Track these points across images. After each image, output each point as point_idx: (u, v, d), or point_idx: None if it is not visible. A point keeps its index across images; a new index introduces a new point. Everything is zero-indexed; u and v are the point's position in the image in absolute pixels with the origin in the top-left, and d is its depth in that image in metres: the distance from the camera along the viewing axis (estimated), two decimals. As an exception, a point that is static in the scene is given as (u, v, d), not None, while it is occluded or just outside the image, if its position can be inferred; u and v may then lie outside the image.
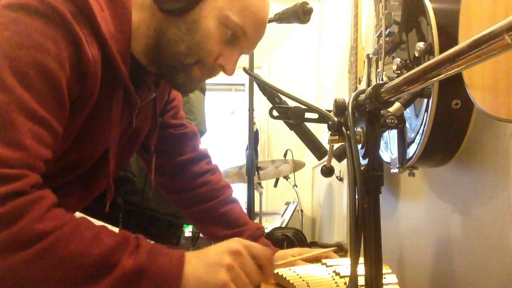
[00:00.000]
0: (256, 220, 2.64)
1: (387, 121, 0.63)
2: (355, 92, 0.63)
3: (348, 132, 0.62)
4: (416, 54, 1.02)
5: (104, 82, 0.77)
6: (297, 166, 2.88)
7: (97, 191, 0.95)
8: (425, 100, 1.03)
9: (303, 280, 0.89)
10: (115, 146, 0.86)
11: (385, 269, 0.87)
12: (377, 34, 1.30)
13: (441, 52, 0.88)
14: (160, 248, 0.72)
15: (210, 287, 0.71)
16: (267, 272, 0.79)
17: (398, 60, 1.13)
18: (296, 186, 3.10)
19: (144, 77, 0.91)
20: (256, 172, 2.33)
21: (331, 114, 0.69)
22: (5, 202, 0.60)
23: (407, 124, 1.15)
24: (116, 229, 1.12)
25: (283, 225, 2.96)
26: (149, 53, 0.85)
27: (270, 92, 0.95)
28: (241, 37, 0.84)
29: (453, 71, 0.44)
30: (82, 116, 0.78)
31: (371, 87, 0.59)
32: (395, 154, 1.20)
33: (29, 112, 0.65)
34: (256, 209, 2.76)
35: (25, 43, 0.66)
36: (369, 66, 1.49)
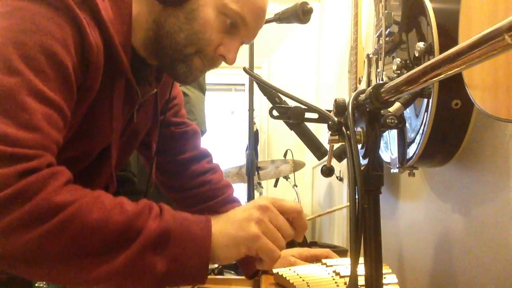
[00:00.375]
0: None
1: (387, 121, 0.63)
2: (355, 92, 0.63)
3: (348, 132, 0.62)
4: (416, 54, 1.02)
5: (105, 72, 0.77)
6: (297, 166, 2.88)
7: (99, 186, 0.95)
8: (425, 100, 1.03)
9: (303, 280, 0.89)
10: (117, 139, 0.86)
11: (385, 269, 0.87)
12: (377, 34, 1.30)
13: (441, 52, 0.88)
14: (184, 213, 0.70)
15: (241, 241, 0.69)
16: (298, 226, 0.76)
17: (398, 60, 1.13)
18: (296, 186, 3.11)
19: (145, 71, 0.91)
20: (256, 172, 2.34)
21: (331, 114, 0.69)
22: (22, 178, 0.59)
23: (407, 124, 1.15)
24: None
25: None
26: (149, 45, 0.85)
27: (270, 92, 0.95)
28: (241, 25, 0.83)
29: (453, 71, 0.44)
30: (84, 105, 0.77)
31: (371, 87, 0.59)
32: (395, 154, 1.20)
33: (40, 95, 0.65)
34: (256, 209, 2.75)
35: (31, 28, 0.66)
36: (369, 66, 1.49)
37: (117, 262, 0.62)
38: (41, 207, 0.60)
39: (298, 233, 0.77)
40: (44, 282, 2.04)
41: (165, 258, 0.65)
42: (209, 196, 1.17)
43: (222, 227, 0.70)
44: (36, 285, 2.05)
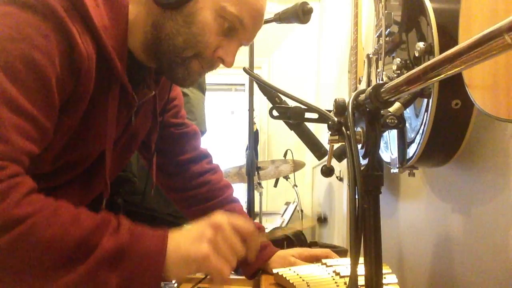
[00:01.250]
0: (256, 220, 2.64)
1: (387, 121, 0.63)
2: (355, 92, 0.63)
3: (348, 132, 0.62)
4: (416, 54, 1.02)
5: (99, 79, 0.77)
6: (297, 166, 2.88)
7: (97, 190, 0.95)
8: (425, 100, 1.03)
9: (303, 280, 0.89)
10: (111, 145, 0.85)
11: (385, 269, 0.87)
12: (377, 34, 1.30)
13: (441, 52, 0.88)
14: (142, 228, 0.71)
15: (192, 261, 0.70)
16: (250, 246, 0.77)
17: (398, 60, 1.13)
18: (296, 186, 3.10)
19: (143, 74, 0.91)
20: (256, 172, 2.33)
21: (331, 114, 0.69)
22: None
23: (407, 124, 1.15)
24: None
25: (283, 225, 2.96)
26: (147, 48, 0.84)
27: (270, 92, 0.95)
28: (239, 28, 0.83)
29: (453, 71, 0.44)
30: (77, 113, 0.77)
31: (371, 87, 0.59)
32: (395, 154, 1.20)
33: (14, 106, 0.64)
34: (256, 209, 2.76)
35: (15, 36, 0.66)
36: (369, 66, 1.49)
37: (71, 277, 0.63)
38: (0, 219, 0.59)
39: (250, 252, 0.77)
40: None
41: (119, 274, 0.65)
42: (209, 196, 1.17)
43: (177, 245, 0.70)
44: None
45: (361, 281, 0.58)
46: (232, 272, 1.96)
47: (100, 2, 0.77)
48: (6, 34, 0.66)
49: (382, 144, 1.33)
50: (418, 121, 1.07)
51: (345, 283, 0.87)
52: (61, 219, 0.64)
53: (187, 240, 0.71)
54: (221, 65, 0.89)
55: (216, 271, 0.71)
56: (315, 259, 1.08)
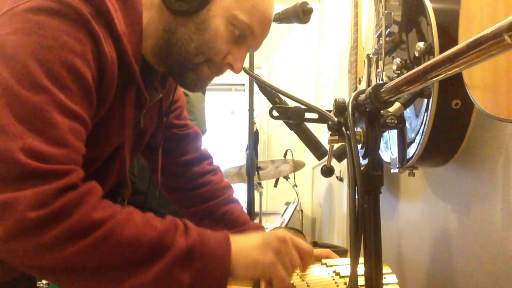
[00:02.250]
0: (256, 220, 2.64)
1: (387, 121, 0.63)
2: (355, 92, 0.63)
3: (348, 132, 0.62)
4: (416, 54, 1.02)
5: (118, 81, 0.79)
6: (297, 166, 2.88)
7: (106, 189, 0.96)
8: (425, 100, 1.03)
9: (303, 280, 0.89)
10: (130, 145, 0.88)
11: (385, 269, 0.87)
12: (377, 34, 1.30)
13: (441, 52, 0.88)
14: (206, 230, 0.75)
15: (259, 265, 0.75)
16: (306, 264, 0.84)
17: (398, 60, 1.13)
18: (296, 186, 3.11)
19: (152, 77, 0.92)
20: (256, 172, 2.33)
21: (331, 114, 0.69)
22: (62, 195, 0.63)
23: (407, 124, 1.15)
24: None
25: (283, 225, 2.96)
26: (158, 53, 0.86)
27: (270, 92, 0.95)
28: (249, 35, 0.85)
29: (453, 71, 0.44)
30: (98, 114, 0.79)
31: (371, 87, 0.59)
32: (395, 154, 1.20)
33: (65, 110, 0.68)
34: (256, 209, 2.76)
35: (53, 45, 0.68)
36: (369, 66, 1.49)
37: (148, 275, 0.67)
38: (81, 223, 0.64)
39: (304, 269, 0.85)
40: (45, 282, 2.04)
41: (191, 272, 0.70)
42: (209, 196, 1.18)
43: (243, 248, 0.76)
44: (38, 284, 2.06)
45: (361, 281, 0.58)
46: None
47: (117, 7, 0.79)
48: (44, 43, 0.68)
49: (382, 144, 1.33)
50: (418, 121, 1.07)
51: (345, 283, 0.87)
52: (135, 222, 0.68)
53: (254, 245, 0.77)
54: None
55: (280, 279, 0.77)
56: (315, 259, 1.08)
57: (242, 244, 0.76)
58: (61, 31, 0.69)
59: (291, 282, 0.89)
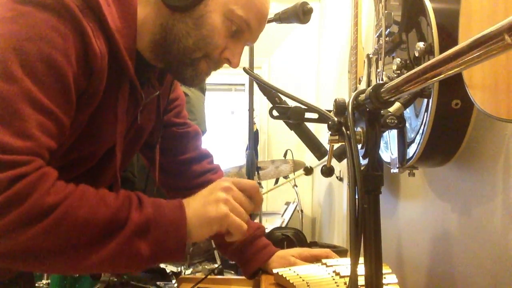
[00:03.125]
0: (256, 220, 2.64)
1: (387, 121, 0.63)
2: (355, 92, 0.63)
3: (348, 132, 0.62)
4: (416, 54, 1.02)
5: (110, 77, 0.79)
6: (297, 166, 2.88)
7: (104, 185, 0.96)
8: (425, 100, 1.03)
9: (303, 280, 0.89)
10: (122, 142, 0.87)
11: (385, 269, 0.87)
12: (377, 34, 1.30)
13: (441, 52, 0.88)
14: (159, 200, 0.77)
15: (213, 221, 0.77)
16: (257, 201, 0.85)
17: (398, 60, 1.13)
18: (296, 186, 3.10)
19: (148, 73, 0.91)
20: (256, 172, 2.33)
21: (331, 114, 0.69)
22: (14, 183, 0.63)
23: (407, 124, 1.15)
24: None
25: (283, 225, 2.96)
26: (155, 49, 0.86)
27: (270, 92, 0.95)
28: (246, 30, 0.86)
29: (453, 71, 0.44)
30: (88, 110, 0.79)
31: (371, 87, 0.59)
32: (395, 154, 1.20)
33: (35, 103, 0.67)
34: (256, 209, 2.75)
35: (33, 36, 0.67)
36: (369, 66, 1.49)
37: (106, 251, 0.68)
38: (34, 208, 0.64)
39: (257, 206, 0.86)
40: (45, 282, 2.04)
41: (148, 242, 0.72)
42: None
43: (195, 210, 0.77)
44: (36, 285, 2.06)
45: (361, 281, 0.58)
46: (232, 272, 1.96)
47: (110, 1, 0.78)
48: (25, 34, 0.67)
49: (382, 144, 1.33)
50: (418, 121, 1.07)
51: (345, 283, 0.87)
52: (89, 201, 0.69)
53: (204, 203, 0.78)
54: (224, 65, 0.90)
55: (236, 227, 0.79)
56: (315, 259, 1.08)
57: (194, 206, 0.77)
58: (44, 24, 0.68)
59: (292, 282, 0.89)
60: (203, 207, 0.78)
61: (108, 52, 0.77)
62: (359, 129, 0.63)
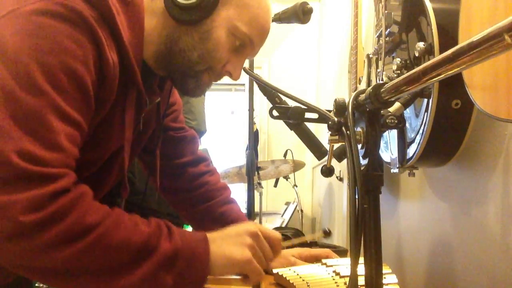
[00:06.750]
0: (256, 220, 2.64)
1: (387, 121, 0.63)
2: (355, 92, 0.63)
3: (348, 132, 0.62)
4: (416, 54, 1.02)
5: (120, 85, 0.80)
6: (297, 166, 2.88)
7: (105, 190, 0.96)
8: (425, 100, 1.03)
9: (303, 280, 0.89)
10: (129, 147, 0.89)
11: (385, 269, 0.87)
12: (377, 34, 1.30)
13: (441, 52, 0.88)
14: (185, 231, 0.79)
15: (235, 263, 0.80)
16: (277, 252, 0.89)
17: (398, 60, 1.13)
18: (296, 186, 3.10)
19: (151, 80, 0.92)
20: (256, 172, 2.33)
21: (331, 114, 0.69)
22: (55, 199, 0.64)
23: (407, 124, 1.15)
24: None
25: (283, 225, 2.96)
26: (160, 59, 0.87)
27: (270, 92, 0.95)
28: (248, 45, 0.88)
29: (453, 71, 0.44)
30: (98, 117, 0.80)
31: (371, 87, 0.59)
32: (395, 154, 1.20)
33: (62, 115, 0.69)
34: (256, 209, 2.76)
35: (55, 48, 0.69)
36: (369, 66, 1.49)
37: (135, 277, 0.70)
38: (74, 227, 0.66)
39: (275, 256, 0.90)
40: (44, 286, 2.04)
41: (173, 274, 0.73)
42: (207, 197, 1.18)
43: (220, 247, 0.80)
44: (36, 285, 2.06)
45: (361, 281, 0.58)
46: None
47: (120, 11, 0.80)
48: (46, 47, 0.68)
49: (382, 144, 1.33)
50: (418, 121, 1.07)
51: (345, 283, 0.87)
52: (124, 224, 0.71)
53: (229, 244, 0.81)
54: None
55: (255, 273, 0.82)
56: (315, 259, 1.08)
57: (219, 244, 0.80)
58: (63, 35, 0.69)
59: (292, 282, 0.89)
60: (228, 246, 0.80)
61: (119, 61, 0.78)
62: (359, 129, 0.63)
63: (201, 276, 0.76)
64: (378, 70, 1.36)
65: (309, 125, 0.91)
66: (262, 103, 3.68)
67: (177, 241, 0.75)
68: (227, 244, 0.81)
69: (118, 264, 0.69)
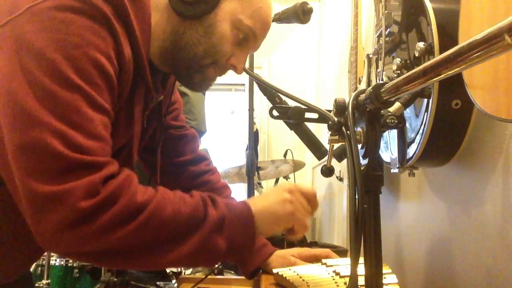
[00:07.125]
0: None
1: (387, 121, 0.63)
2: (355, 92, 0.63)
3: (348, 132, 0.62)
4: (416, 54, 1.02)
5: (132, 80, 0.82)
6: (297, 166, 2.88)
7: None
8: (425, 100, 1.03)
9: (303, 280, 0.89)
10: (138, 142, 0.90)
11: (385, 269, 0.87)
12: (377, 34, 1.30)
13: (441, 52, 0.88)
14: (228, 200, 0.83)
15: (280, 218, 0.84)
16: (314, 205, 0.91)
17: (398, 60, 1.13)
18: (296, 186, 3.09)
19: (155, 78, 0.93)
20: (256, 172, 2.33)
21: (331, 114, 0.69)
22: (106, 184, 0.68)
23: (407, 124, 1.15)
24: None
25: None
26: (164, 55, 0.87)
27: (270, 92, 0.95)
28: (251, 39, 0.88)
29: (453, 71, 0.44)
30: (115, 110, 0.81)
31: (371, 87, 0.59)
32: (395, 154, 1.20)
33: (96, 105, 0.71)
34: (256, 209, 2.75)
35: (79, 42, 0.70)
36: (369, 66, 1.49)
37: (189, 245, 0.74)
38: (127, 207, 0.69)
39: (313, 210, 0.92)
40: (45, 282, 2.04)
41: (225, 238, 0.77)
42: None
43: (262, 207, 0.83)
44: (37, 285, 2.06)
45: (361, 281, 0.58)
46: (232, 272, 1.96)
47: (129, 7, 0.80)
48: (71, 41, 0.70)
49: (382, 144, 1.33)
50: (418, 121, 1.07)
51: (345, 283, 0.87)
52: (171, 200, 0.75)
53: (270, 202, 0.85)
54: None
55: (301, 224, 0.86)
56: (315, 259, 1.08)
57: (261, 204, 0.84)
58: (85, 29, 0.71)
59: (292, 282, 0.89)
60: (269, 204, 0.84)
61: (132, 56, 0.79)
62: (359, 129, 0.63)
63: (250, 236, 0.80)
64: (378, 70, 1.36)
65: (309, 125, 0.91)
66: (262, 103, 3.68)
67: (222, 207, 0.78)
68: (268, 202, 0.84)
69: (172, 236, 0.73)
